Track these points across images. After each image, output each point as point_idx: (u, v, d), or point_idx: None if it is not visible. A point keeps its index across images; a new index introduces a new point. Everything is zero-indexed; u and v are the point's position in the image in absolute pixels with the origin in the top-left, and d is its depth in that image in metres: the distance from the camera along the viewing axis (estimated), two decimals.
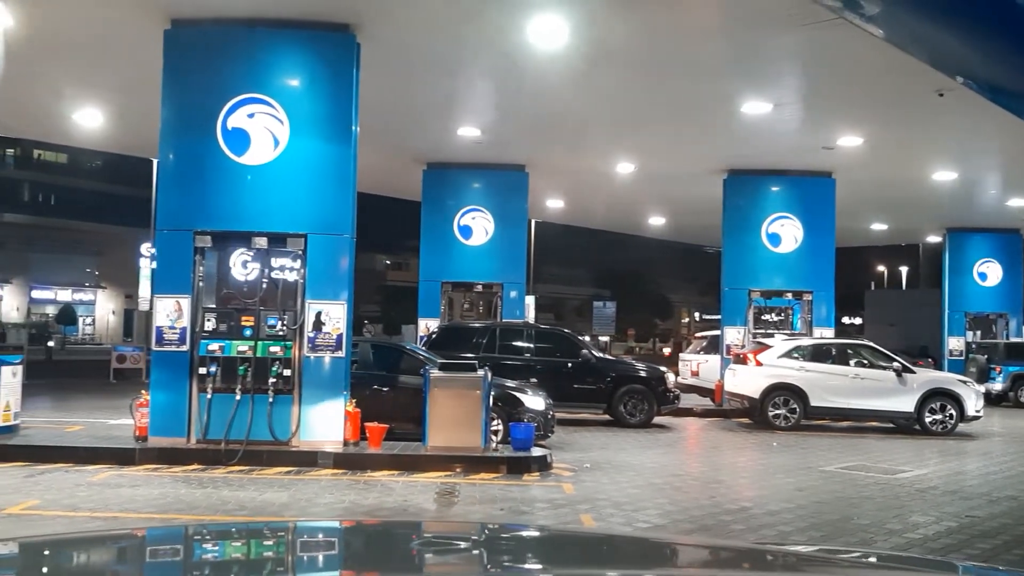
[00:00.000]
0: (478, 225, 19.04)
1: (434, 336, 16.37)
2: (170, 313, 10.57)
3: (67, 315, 59.45)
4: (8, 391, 10.78)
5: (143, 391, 10.79)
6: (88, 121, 16.13)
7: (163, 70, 10.62)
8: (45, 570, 2.23)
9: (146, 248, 51.19)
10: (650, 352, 53.26)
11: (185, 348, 10.54)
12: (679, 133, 15.89)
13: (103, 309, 64.35)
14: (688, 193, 20.61)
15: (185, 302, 10.55)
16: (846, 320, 53.97)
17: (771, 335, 17.45)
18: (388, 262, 71.28)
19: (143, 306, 50.43)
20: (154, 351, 10.75)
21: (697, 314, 73.48)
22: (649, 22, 10.59)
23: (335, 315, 10.64)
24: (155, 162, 39.58)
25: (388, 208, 28.83)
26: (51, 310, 61.07)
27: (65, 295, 61.86)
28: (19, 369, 11.06)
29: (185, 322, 10.53)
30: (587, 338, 23.04)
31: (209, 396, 10.38)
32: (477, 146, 17.03)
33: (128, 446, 10.46)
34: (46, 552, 2.37)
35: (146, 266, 50.90)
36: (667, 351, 47.19)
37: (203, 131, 10.55)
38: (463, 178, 18.93)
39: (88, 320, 63.15)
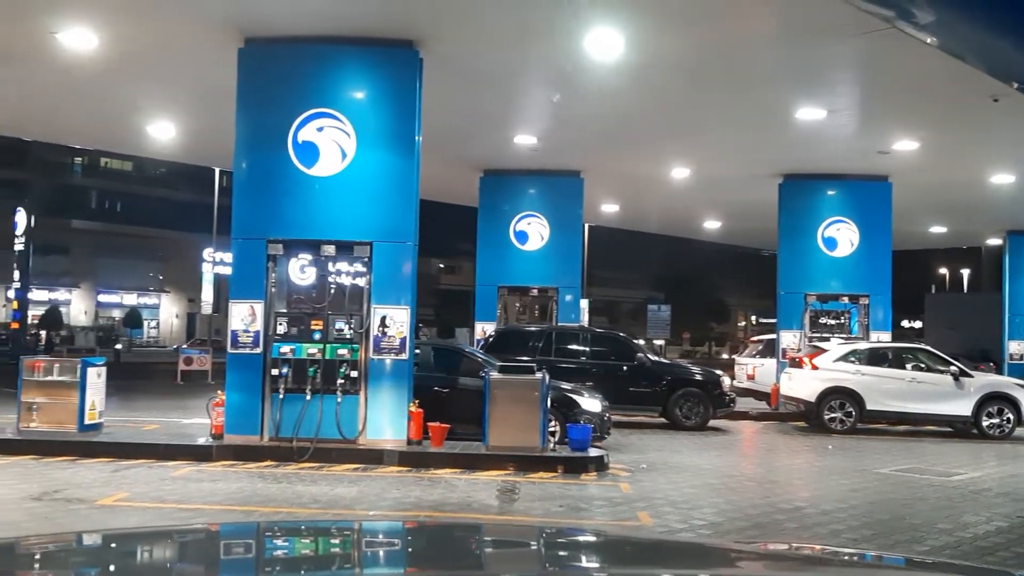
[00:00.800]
0: (534, 230, 19.41)
1: (491, 339, 16.76)
2: (244, 317, 11.12)
3: (133, 319, 61.13)
4: (93, 391, 11.42)
5: (219, 391, 11.35)
6: (161, 133, 16.87)
7: (237, 87, 11.18)
8: (114, 567, 2.40)
9: (208, 253, 52.81)
10: (707, 356, 53.08)
11: (258, 351, 11.07)
12: (734, 139, 16.06)
13: (167, 313, 66.04)
14: (743, 197, 20.73)
15: (259, 307, 11.09)
16: (906, 324, 53.15)
17: (827, 339, 17.51)
18: (441, 266, 72.06)
19: (205, 310, 51.89)
20: (229, 353, 11.31)
21: (754, 317, 72.88)
22: (703, 34, 10.85)
23: (399, 319, 11.09)
24: (217, 171, 40.83)
25: (441, 213, 29.33)
26: (117, 314, 62.82)
27: (131, 299, 63.58)
28: (103, 371, 11.71)
29: (258, 326, 11.07)
30: (641, 342, 23.23)
31: (281, 396, 10.89)
32: (533, 153, 17.37)
33: (205, 443, 11.04)
34: (122, 547, 2.55)
35: (208, 271, 52.35)
36: (725, 355, 47.03)
37: (275, 145, 11.09)
38: (519, 184, 19.31)
39: (152, 323, 64.80)
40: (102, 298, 63.33)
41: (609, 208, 24.79)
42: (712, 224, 27.35)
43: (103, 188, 65.20)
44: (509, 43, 11.40)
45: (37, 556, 2.41)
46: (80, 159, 63.64)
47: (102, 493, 8.60)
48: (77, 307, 61.28)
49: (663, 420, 15.42)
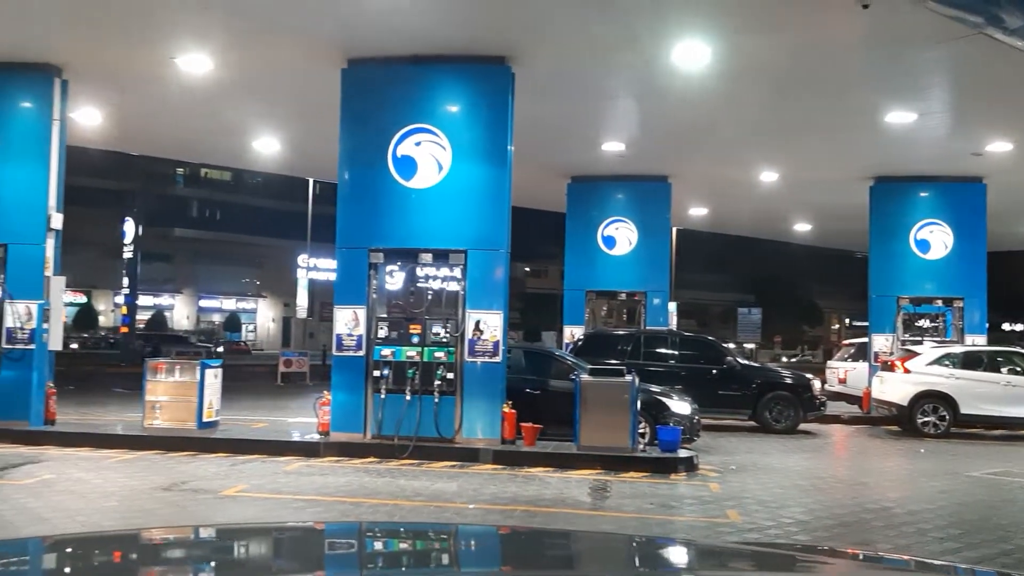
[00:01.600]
0: (621, 235, 19.70)
1: (579, 343, 17.12)
2: (348, 322, 11.78)
3: (233, 323, 63.47)
4: (211, 391, 12.26)
5: (325, 391, 12.04)
6: (265, 148, 17.83)
7: (341, 105, 11.87)
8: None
9: (302, 259, 54.46)
10: (803, 360, 52.16)
11: (361, 353, 11.72)
12: (823, 143, 16.08)
13: (263, 317, 68.29)
14: (833, 200, 20.61)
15: (361, 312, 11.74)
16: (1006, 327, 51.26)
17: (920, 342, 17.32)
18: (527, 269, 72.66)
19: (300, 314, 53.49)
20: (334, 356, 11.99)
21: (848, 321, 71.25)
22: (790, 43, 11.04)
23: (492, 323, 11.58)
24: (311, 181, 42.17)
25: (527, 218, 29.83)
26: (217, 318, 65.25)
27: (229, 304, 65.94)
28: (219, 372, 12.55)
29: (361, 330, 11.71)
30: (732, 345, 23.20)
31: (382, 396, 11.50)
32: (621, 159, 17.68)
33: (313, 440, 11.74)
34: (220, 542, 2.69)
35: (303, 276, 53.97)
36: (809, 358, 46.20)
37: (376, 159, 11.73)
38: (607, 190, 19.64)
39: (250, 327, 67.07)
40: (203, 303, 65.90)
41: (697, 211, 24.87)
42: (803, 226, 27.13)
43: (203, 198, 67.74)
44: (597, 56, 11.77)
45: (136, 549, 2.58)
46: (182, 170, 66.30)
47: (224, 485, 9.32)
48: (180, 312, 63.94)
49: (753, 423, 15.52)
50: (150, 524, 7.44)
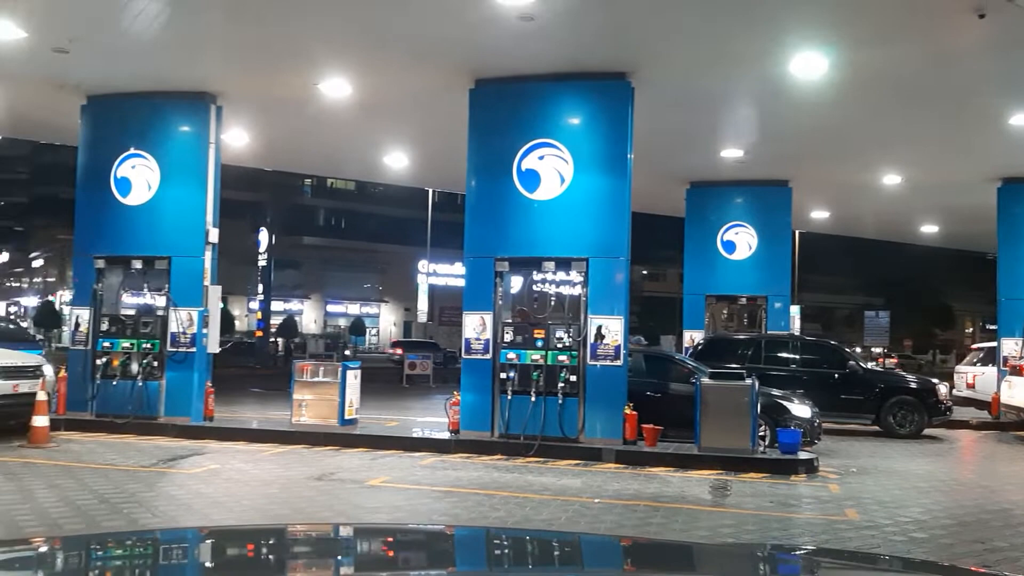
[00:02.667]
0: (741, 240, 19.83)
1: (700, 347, 17.37)
2: (476, 327, 12.50)
3: (358, 327, 65.83)
4: (351, 391, 13.19)
5: (455, 392, 12.79)
6: (395, 162, 18.86)
7: (468, 123, 12.61)
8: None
9: (423, 265, 56.10)
10: (920, 365, 50.33)
11: (488, 357, 12.40)
12: (947, 145, 15.89)
13: (386, 321, 70.52)
14: (961, 201, 20.17)
15: (488, 318, 12.43)
16: None
17: None
18: (645, 273, 72.46)
19: (421, 318, 55.12)
20: (463, 359, 12.72)
21: (982, 324, 68.07)
22: (908, 53, 11.13)
23: (613, 328, 12.07)
24: (431, 191, 43.48)
25: (645, 222, 30.06)
26: (342, 322, 67.75)
27: (354, 309, 68.37)
28: (358, 373, 13.48)
29: (488, 335, 12.41)
30: (858, 349, 22.80)
31: (509, 397, 12.15)
32: (740, 165, 17.84)
33: (444, 437, 12.51)
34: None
35: (423, 282, 55.63)
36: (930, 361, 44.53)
37: (501, 173, 12.41)
38: (726, 195, 19.80)
39: (373, 331, 69.35)
40: (329, 308, 68.60)
41: (819, 214, 24.65)
42: (930, 228, 26.46)
43: (329, 207, 70.47)
44: (715, 69, 12.13)
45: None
46: (309, 181, 69.23)
47: (368, 476, 10.14)
48: (308, 316, 66.74)
49: (876, 428, 15.45)
50: (309, 509, 8.30)
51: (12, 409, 11.90)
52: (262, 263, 54.13)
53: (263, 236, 53.54)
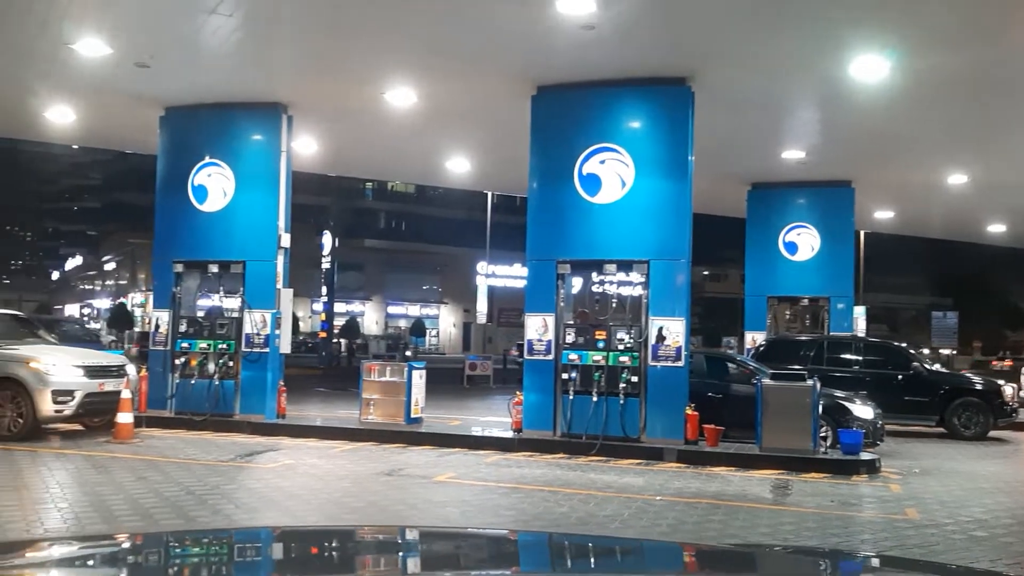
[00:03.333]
0: (803, 241, 19.77)
1: (762, 348, 17.40)
2: (538, 328, 12.78)
3: (418, 328, 66.63)
4: (417, 390, 13.59)
5: (517, 392, 13.08)
6: (457, 167, 19.25)
7: (531, 129, 12.90)
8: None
9: (482, 267, 56.59)
10: (979, 363, 49.01)
11: (550, 357, 12.67)
12: (1013, 145, 15.68)
13: (445, 322, 71.23)
14: None
15: (550, 319, 12.70)
16: None
17: None
18: (706, 273, 71.97)
19: (480, 319, 55.64)
20: (526, 360, 13.01)
21: None
22: (974, 52, 11.08)
23: (674, 330, 12.24)
24: (490, 193, 43.94)
25: (706, 223, 29.99)
26: (402, 323, 68.61)
27: (414, 310, 69.22)
28: (423, 373, 13.87)
29: (550, 336, 12.68)
30: (926, 351, 22.42)
31: (571, 397, 12.40)
32: (802, 166, 17.82)
33: (507, 436, 12.81)
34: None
35: (482, 283, 56.14)
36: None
37: (562, 177, 12.67)
38: (787, 196, 19.76)
39: (433, 332, 70.09)
40: (390, 309, 69.57)
41: (884, 214, 24.38)
42: (998, 227, 25.96)
43: (390, 210, 71.53)
44: (774, 73, 12.24)
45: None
46: (370, 184, 70.29)
47: (435, 472, 10.49)
48: (370, 317, 67.76)
49: (941, 430, 15.34)
50: (381, 502, 8.66)
51: (98, 406, 12.56)
52: (325, 265, 55.24)
53: (326, 239, 54.66)
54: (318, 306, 57.59)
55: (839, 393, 13.01)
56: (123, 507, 8.01)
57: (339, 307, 60.04)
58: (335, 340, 52.14)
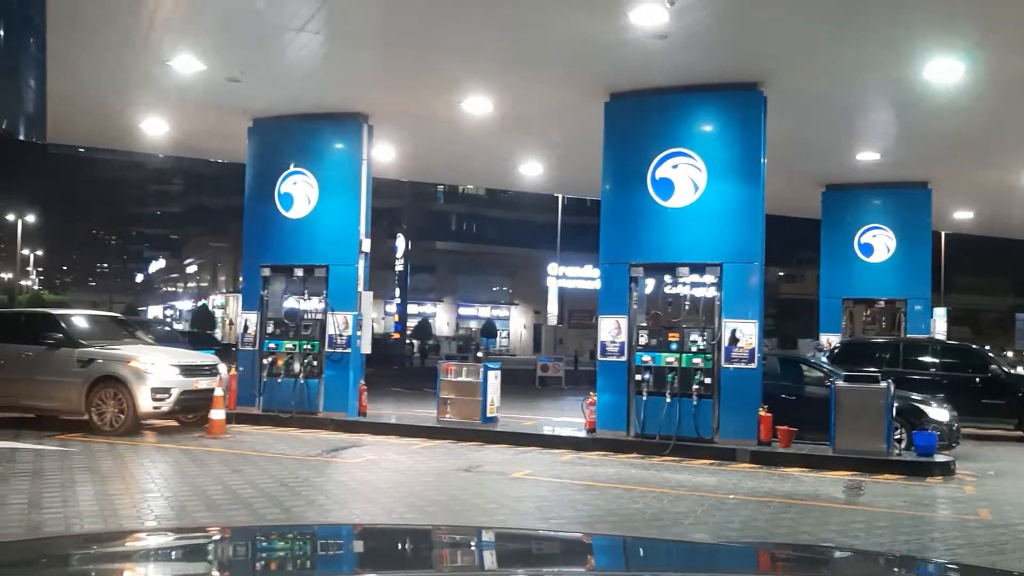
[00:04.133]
0: (879, 242, 19.61)
1: (836, 351, 17.34)
2: (611, 330, 13.05)
3: (489, 329, 67.25)
4: (492, 390, 13.97)
5: (591, 392, 13.38)
6: (530, 171, 19.62)
7: (604, 135, 13.19)
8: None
9: (552, 268, 56.87)
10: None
11: (623, 359, 12.93)
12: None
13: (516, 324, 71.66)
14: None
15: (623, 321, 12.96)
16: None
17: None
18: (782, 274, 70.99)
19: (551, 321, 55.91)
20: (599, 361, 13.29)
21: None
22: None
23: (747, 332, 12.38)
24: (560, 196, 44.13)
25: (782, 225, 29.78)
26: (473, 324, 69.30)
27: (485, 311, 69.86)
28: (498, 373, 14.26)
29: (623, 338, 12.94)
30: (1009, 353, 21.93)
31: (644, 398, 12.64)
32: (876, 167, 17.71)
33: (581, 436, 13.12)
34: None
35: (553, 285, 56.38)
36: None
37: (635, 182, 12.93)
38: (863, 198, 19.62)
39: (504, 334, 70.60)
40: (461, 311, 70.33)
41: (963, 215, 23.97)
42: None
43: (461, 212, 72.37)
44: (848, 76, 12.29)
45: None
46: (442, 187, 71.27)
47: (511, 469, 10.86)
48: (441, 319, 68.62)
49: (1019, 433, 15.11)
50: (461, 496, 9.06)
51: (193, 403, 13.28)
52: (399, 267, 56.34)
53: (399, 242, 55.74)
54: (391, 307, 58.75)
55: (915, 396, 12.98)
56: (223, 497, 8.57)
57: (411, 308, 61.07)
58: (408, 341, 53.12)
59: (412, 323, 59.19)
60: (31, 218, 78.55)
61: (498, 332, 68.65)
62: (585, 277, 67.25)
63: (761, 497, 9.48)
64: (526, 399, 21.19)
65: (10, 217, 75.92)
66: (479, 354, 44.14)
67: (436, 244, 65.91)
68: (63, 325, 13.54)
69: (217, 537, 3.00)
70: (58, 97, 14.70)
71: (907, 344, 16.90)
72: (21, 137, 17.84)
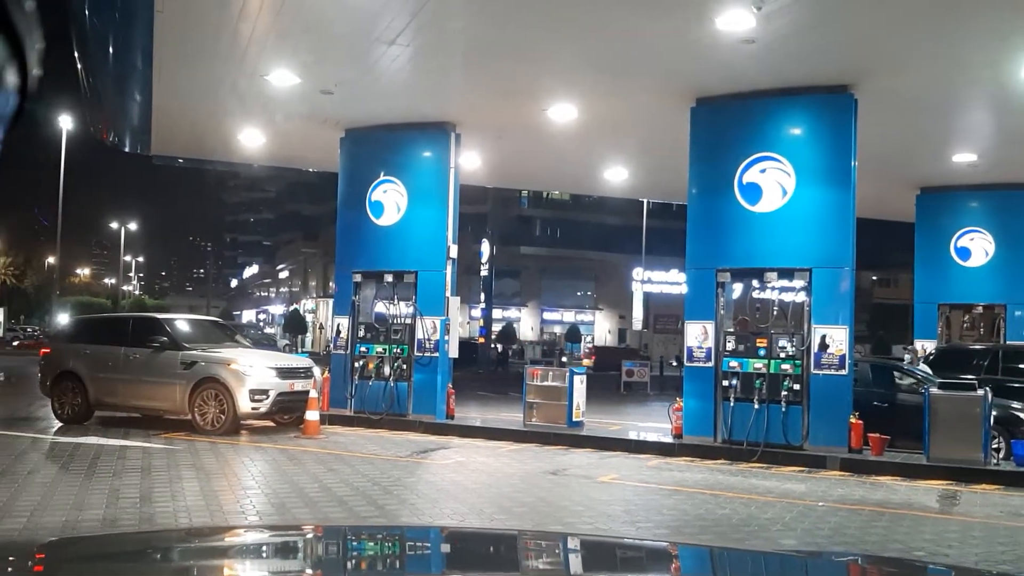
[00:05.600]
0: (976, 246, 19.01)
1: (931, 357, 16.88)
2: (698, 336, 13.03)
3: (573, 334, 67.25)
4: (578, 395, 14.09)
5: (677, 398, 13.37)
6: (614, 176, 19.67)
7: (690, 140, 13.19)
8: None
9: (637, 273, 56.56)
10: None
11: (710, 364, 12.89)
12: None
13: (600, 328, 71.47)
14: None
15: (710, 327, 12.93)
16: None
17: None
18: (875, 278, 69.05)
19: (636, 326, 55.55)
20: (686, 366, 13.28)
21: None
22: None
23: (838, 338, 12.21)
24: (645, 201, 43.88)
25: (875, 228, 29.07)
26: (557, 329, 69.37)
27: (569, 316, 69.87)
28: (584, 378, 14.37)
29: (710, 343, 12.90)
30: None
31: (731, 404, 12.58)
32: (973, 169, 17.22)
33: (667, 441, 13.12)
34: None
35: (638, 290, 56.00)
36: None
37: (722, 187, 12.89)
38: (959, 200, 19.04)
39: (588, 339, 70.46)
40: (546, 315, 70.52)
41: None
42: None
43: (545, 217, 72.52)
44: (943, 76, 12.03)
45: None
46: (526, 193, 71.57)
47: (598, 473, 10.96)
48: (526, 323, 68.94)
49: None
50: (549, 498, 9.21)
51: (289, 405, 13.77)
52: (484, 273, 56.84)
53: (484, 247, 56.25)
54: (476, 312, 59.32)
55: (1015, 404, 12.58)
56: (320, 494, 8.90)
57: (496, 313, 61.53)
58: (492, 345, 53.54)
59: (496, 327, 59.61)
60: (133, 226, 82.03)
61: (583, 337, 68.66)
62: (670, 282, 66.67)
63: (851, 505, 9.36)
64: (611, 404, 21.23)
65: (114, 225, 79.52)
66: (563, 359, 44.60)
67: (521, 249, 66.21)
68: (168, 329, 14.20)
69: (311, 535, 3.09)
70: (162, 111, 15.44)
71: (1007, 351, 16.31)
72: (127, 149, 18.66)
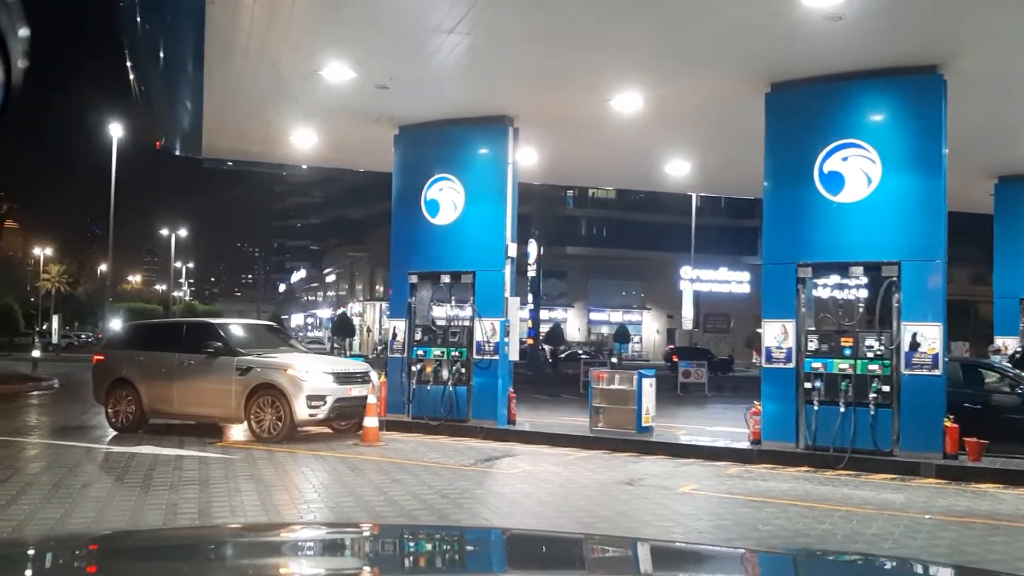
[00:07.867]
0: None
1: (1018, 355, 15.97)
2: (777, 335, 12.26)
3: (622, 334, 66.41)
4: (647, 399, 13.42)
5: (755, 401, 12.62)
6: (676, 171, 18.91)
7: (765, 128, 12.43)
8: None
9: (686, 271, 55.57)
10: None
11: (791, 365, 12.12)
12: None
13: (648, 328, 70.55)
14: None
15: (790, 325, 12.16)
16: None
17: None
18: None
19: (685, 325, 54.66)
20: (764, 368, 12.52)
21: None
22: None
23: (930, 336, 11.37)
24: (694, 196, 42.87)
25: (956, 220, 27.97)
26: (605, 330, 68.61)
27: (616, 316, 69.06)
28: (653, 381, 13.68)
29: (791, 343, 12.13)
30: None
31: (815, 408, 11.80)
32: None
33: (745, 447, 12.38)
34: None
35: (687, 288, 55.04)
36: None
37: (801, 177, 12.11)
38: None
39: (636, 338, 69.58)
40: (593, 316, 69.81)
41: None
42: None
43: (591, 216, 71.80)
44: None
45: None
46: (571, 192, 70.91)
47: (675, 483, 10.27)
48: (572, 324, 68.27)
49: None
50: (630, 511, 8.57)
51: (346, 410, 13.29)
52: (531, 273, 56.24)
53: (531, 247, 55.66)
54: (524, 313, 58.80)
55: None
56: (387, 508, 8.36)
57: (543, 314, 60.97)
58: (540, 347, 52.95)
59: (544, 328, 59.03)
60: (183, 232, 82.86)
61: (631, 337, 67.80)
62: (720, 280, 65.53)
63: (960, 517, 8.59)
64: (670, 406, 20.46)
65: (164, 232, 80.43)
66: (613, 360, 43.77)
67: (567, 249, 65.59)
68: (222, 334, 13.80)
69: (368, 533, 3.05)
70: (212, 111, 15.06)
71: None
72: (177, 152, 18.40)
